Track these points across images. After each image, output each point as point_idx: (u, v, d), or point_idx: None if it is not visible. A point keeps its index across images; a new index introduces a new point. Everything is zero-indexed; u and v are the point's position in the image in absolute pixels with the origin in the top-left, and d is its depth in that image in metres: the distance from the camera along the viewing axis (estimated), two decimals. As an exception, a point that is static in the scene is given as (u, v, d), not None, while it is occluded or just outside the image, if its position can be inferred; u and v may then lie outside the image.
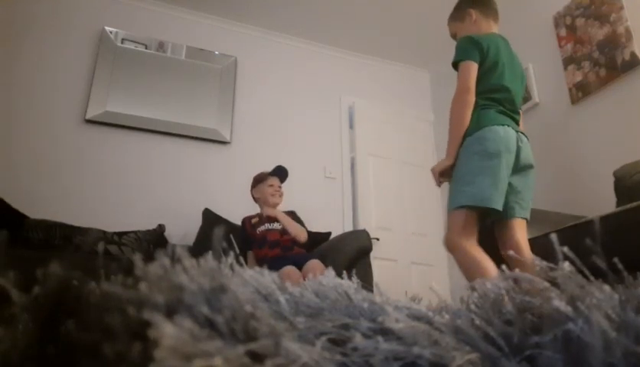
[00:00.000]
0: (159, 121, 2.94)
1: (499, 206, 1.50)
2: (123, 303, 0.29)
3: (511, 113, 1.66)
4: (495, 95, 1.65)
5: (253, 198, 2.51)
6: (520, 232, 1.62)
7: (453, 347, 0.31)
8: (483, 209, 1.51)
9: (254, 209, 2.53)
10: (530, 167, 1.65)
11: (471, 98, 1.61)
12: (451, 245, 1.52)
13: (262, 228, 2.31)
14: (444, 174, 1.66)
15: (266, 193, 2.42)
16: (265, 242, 2.26)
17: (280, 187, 2.49)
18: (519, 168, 1.63)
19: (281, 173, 2.52)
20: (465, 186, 1.55)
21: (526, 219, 1.65)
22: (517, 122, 1.70)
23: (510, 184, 1.59)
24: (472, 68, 1.63)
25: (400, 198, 3.42)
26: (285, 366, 0.26)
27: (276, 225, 2.31)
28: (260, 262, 2.21)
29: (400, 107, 3.77)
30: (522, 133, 1.67)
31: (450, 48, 1.84)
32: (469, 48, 1.67)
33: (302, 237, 2.29)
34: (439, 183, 1.70)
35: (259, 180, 2.50)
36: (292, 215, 2.47)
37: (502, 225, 1.65)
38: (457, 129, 1.61)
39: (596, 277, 0.35)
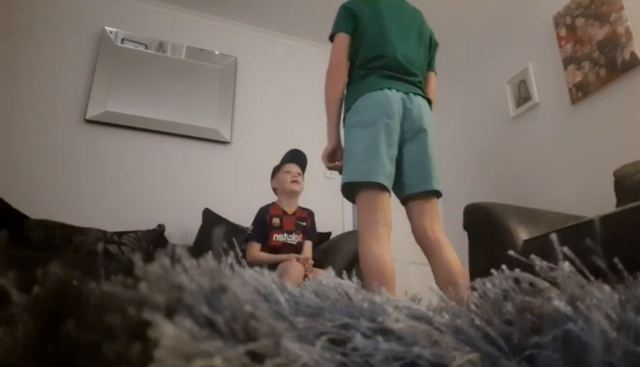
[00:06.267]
0: (159, 121, 2.94)
1: (383, 180, 1.32)
2: (123, 303, 0.29)
3: (402, 75, 1.47)
4: (375, 64, 1.47)
5: (273, 190, 2.32)
6: (428, 213, 1.42)
7: (453, 347, 0.31)
8: (370, 184, 1.32)
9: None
10: (423, 131, 1.43)
11: (341, 72, 1.49)
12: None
13: (280, 237, 2.11)
14: (333, 158, 1.52)
15: (284, 181, 2.20)
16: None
17: (300, 174, 2.25)
18: (412, 134, 1.43)
19: (297, 157, 2.30)
20: (347, 162, 1.41)
21: (434, 192, 1.42)
22: (414, 85, 1.50)
23: (403, 155, 1.42)
24: (343, 40, 1.51)
25: (399, 198, 3.41)
26: (285, 366, 0.26)
27: (294, 238, 2.12)
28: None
29: (399, 107, 3.76)
30: (419, 95, 1.47)
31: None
32: (341, 19, 1.55)
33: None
34: (331, 169, 1.55)
35: (276, 168, 2.31)
36: (309, 217, 2.24)
37: (407, 206, 1.48)
38: (330, 108, 1.47)
39: (596, 277, 0.35)
